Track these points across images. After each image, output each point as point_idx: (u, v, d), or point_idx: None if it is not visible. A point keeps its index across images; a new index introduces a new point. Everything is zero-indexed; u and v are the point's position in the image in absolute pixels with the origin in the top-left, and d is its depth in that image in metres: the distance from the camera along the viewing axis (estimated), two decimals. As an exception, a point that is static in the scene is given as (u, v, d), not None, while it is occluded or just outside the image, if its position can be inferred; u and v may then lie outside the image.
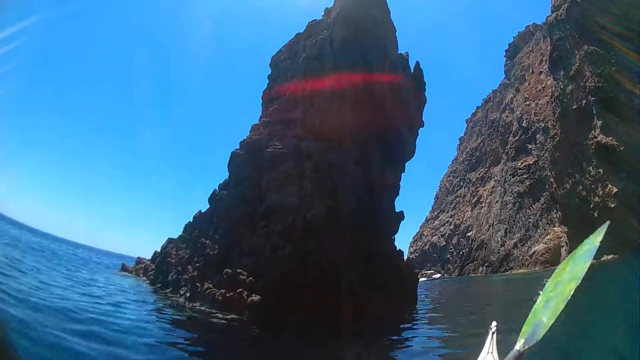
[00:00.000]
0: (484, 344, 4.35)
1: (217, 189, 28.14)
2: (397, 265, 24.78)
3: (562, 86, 54.73)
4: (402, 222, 27.16)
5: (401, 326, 16.89)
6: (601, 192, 42.43)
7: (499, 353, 4.01)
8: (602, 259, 41.37)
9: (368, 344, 13.38)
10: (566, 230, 55.17)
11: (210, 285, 19.63)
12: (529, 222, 78.13)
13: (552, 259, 60.55)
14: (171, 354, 10.44)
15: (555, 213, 69.41)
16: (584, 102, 48.28)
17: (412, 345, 12.90)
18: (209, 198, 28.57)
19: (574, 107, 50.27)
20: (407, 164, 29.16)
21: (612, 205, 40.48)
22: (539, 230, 73.96)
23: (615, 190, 40.77)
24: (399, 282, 23.16)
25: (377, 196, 23.73)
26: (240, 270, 18.76)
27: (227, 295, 17.84)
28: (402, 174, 28.81)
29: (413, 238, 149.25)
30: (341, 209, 20.16)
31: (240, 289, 17.74)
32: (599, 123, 44.66)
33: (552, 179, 56.96)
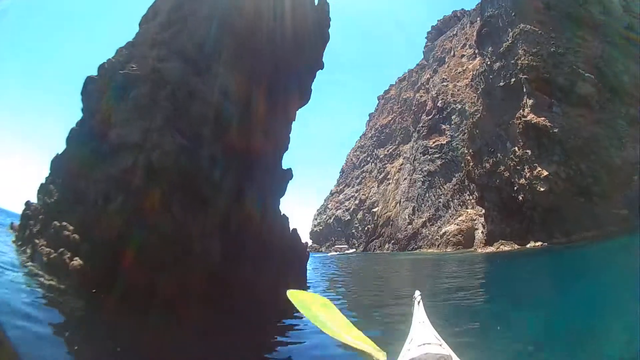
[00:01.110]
0: (411, 314, 5.10)
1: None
2: (280, 233, 18.85)
3: (488, 62, 51.61)
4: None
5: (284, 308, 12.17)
6: (528, 174, 39.44)
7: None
8: (529, 245, 39.02)
9: (231, 331, 10.11)
10: (482, 212, 53.07)
11: (45, 242, 13.66)
12: (439, 202, 76.31)
13: (465, 242, 58.68)
14: None
15: (469, 195, 67.98)
16: (512, 80, 45.09)
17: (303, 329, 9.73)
18: (66, 137, 21.00)
19: (501, 84, 47.01)
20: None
21: (542, 189, 37.67)
22: (449, 211, 72.17)
23: (545, 173, 37.96)
24: (281, 253, 17.50)
25: (256, 143, 17.63)
26: (65, 224, 12.94)
27: (51, 255, 12.46)
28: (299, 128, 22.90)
29: (317, 211, 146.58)
30: (201, 152, 14.00)
31: (62, 249, 12.24)
32: (530, 102, 41.55)
33: (469, 157, 53.80)
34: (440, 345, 4.06)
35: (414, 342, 4.21)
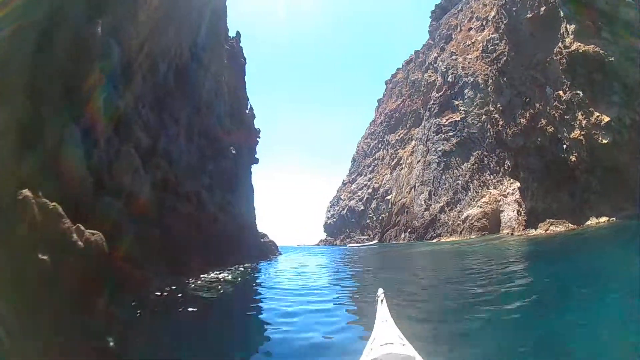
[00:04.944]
0: (375, 312, 4.54)
1: None
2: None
3: (510, -7, 37.62)
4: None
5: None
6: (584, 123, 25.82)
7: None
8: (589, 222, 25.79)
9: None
10: (506, 192, 39.52)
11: None
12: (457, 184, 62.39)
13: (491, 226, 45.15)
14: None
15: (489, 174, 54.32)
16: (543, 8, 31.68)
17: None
18: None
19: (529, 15, 33.21)
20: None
21: (605, 142, 24.39)
22: (469, 193, 58.20)
23: (606, 119, 24.56)
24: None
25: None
26: None
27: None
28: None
29: (330, 202, 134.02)
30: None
31: None
32: (572, 28, 27.92)
33: (497, 115, 39.76)
34: (404, 345, 3.61)
35: (376, 341, 3.78)
